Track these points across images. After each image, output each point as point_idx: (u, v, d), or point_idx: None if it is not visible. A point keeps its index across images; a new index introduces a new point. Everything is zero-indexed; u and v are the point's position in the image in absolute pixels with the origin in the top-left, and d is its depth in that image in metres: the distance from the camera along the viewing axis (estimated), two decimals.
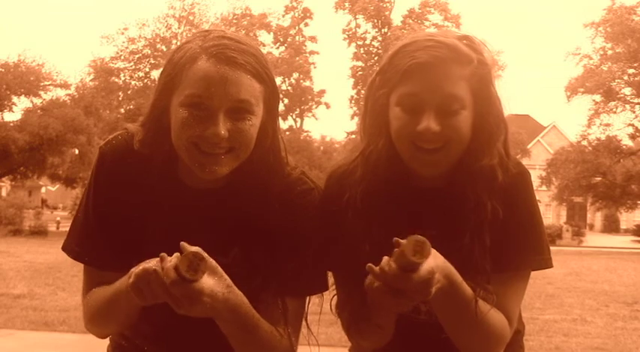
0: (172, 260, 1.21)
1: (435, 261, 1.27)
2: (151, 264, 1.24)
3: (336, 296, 1.57)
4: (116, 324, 1.49)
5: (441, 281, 1.30)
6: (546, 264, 1.56)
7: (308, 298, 1.52)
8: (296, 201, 1.49)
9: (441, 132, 1.43)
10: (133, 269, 1.29)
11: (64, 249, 1.55)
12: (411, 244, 1.20)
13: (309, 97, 43.17)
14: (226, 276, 1.29)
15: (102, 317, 1.48)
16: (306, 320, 1.52)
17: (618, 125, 34.67)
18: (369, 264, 1.24)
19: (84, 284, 1.53)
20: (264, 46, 39.27)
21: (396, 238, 1.22)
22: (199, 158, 1.38)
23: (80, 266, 1.54)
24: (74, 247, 1.52)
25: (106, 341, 1.61)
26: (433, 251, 1.30)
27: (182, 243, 1.22)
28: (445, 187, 1.53)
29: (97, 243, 1.49)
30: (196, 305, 1.22)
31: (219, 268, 1.27)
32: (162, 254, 1.22)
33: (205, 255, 1.22)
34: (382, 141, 1.51)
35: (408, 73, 1.45)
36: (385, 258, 1.25)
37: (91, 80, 34.12)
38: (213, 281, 1.25)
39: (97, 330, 1.53)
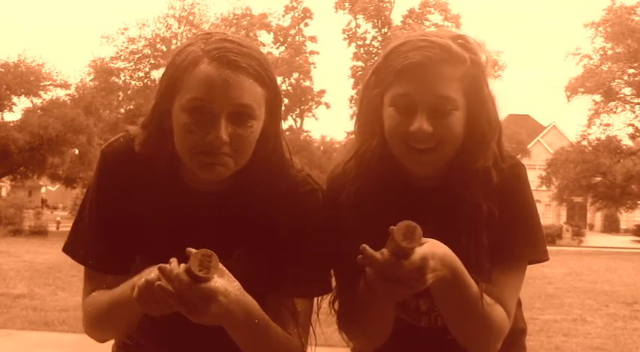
0: (178, 266, 1.20)
1: (431, 249, 1.27)
2: (152, 275, 1.23)
3: (334, 296, 1.57)
4: (115, 331, 1.48)
5: (439, 269, 1.30)
6: (542, 256, 1.56)
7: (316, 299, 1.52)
8: (299, 202, 1.49)
9: (433, 133, 1.43)
10: (134, 280, 1.28)
11: (66, 251, 1.53)
12: (402, 229, 1.21)
13: (309, 97, 43.15)
14: (235, 279, 1.28)
15: (101, 323, 1.47)
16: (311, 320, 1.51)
17: (618, 125, 34.71)
18: (363, 245, 1.23)
19: (84, 286, 1.52)
20: (264, 46, 39.25)
21: (391, 227, 1.22)
22: (202, 160, 1.38)
23: (80, 267, 1.54)
24: (79, 250, 1.51)
25: (107, 342, 1.61)
26: (433, 240, 1.30)
27: (188, 248, 1.21)
28: (440, 187, 1.53)
29: (102, 246, 1.48)
30: (212, 305, 1.21)
31: (227, 271, 1.27)
32: (160, 265, 1.21)
33: (212, 253, 1.21)
34: (376, 140, 1.52)
35: (401, 74, 1.45)
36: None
37: (91, 80, 34.13)
38: (225, 281, 1.24)
39: (96, 335, 1.52)
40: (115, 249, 1.48)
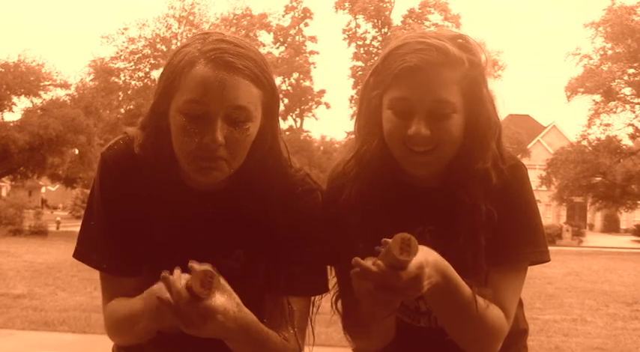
0: (180, 279, 1.21)
1: (425, 256, 1.27)
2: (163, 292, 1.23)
3: (336, 296, 1.57)
4: (135, 338, 1.48)
5: (433, 276, 1.30)
6: (542, 257, 1.55)
7: (313, 298, 1.52)
8: (298, 201, 1.49)
9: (431, 136, 1.44)
10: (143, 295, 1.31)
11: (78, 257, 1.53)
12: (398, 242, 1.20)
13: (309, 97, 43.18)
14: (235, 295, 1.28)
15: (120, 331, 1.49)
16: (310, 320, 1.51)
17: (618, 125, 34.70)
18: (356, 258, 1.23)
19: (103, 291, 1.53)
20: (264, 46, 39.23)
21: (385, 239, 1.22)
22: (198, 164, 1.38)
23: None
24: (91, 255, 1.51)
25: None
26: (424, 247, 1.30)
27: (191, 262, 1.21)
28: (439, 187, 1.54)
29: (113, 250, 1.49)
30: (210, 323, 1.22)
31: (228, 286, 1.27)
32: (163, 275, 1.22)
33: (216, 272, 1.21)
34: (376, 141, 1.52)
35: (398, 77, 1.44)
36: (371, 259, 1.24)
37: (91, 80, 34.03)
38: (224, 299, 1.25)
39: (117, 340, 1.55)
40: (127, 251, 1.48)
